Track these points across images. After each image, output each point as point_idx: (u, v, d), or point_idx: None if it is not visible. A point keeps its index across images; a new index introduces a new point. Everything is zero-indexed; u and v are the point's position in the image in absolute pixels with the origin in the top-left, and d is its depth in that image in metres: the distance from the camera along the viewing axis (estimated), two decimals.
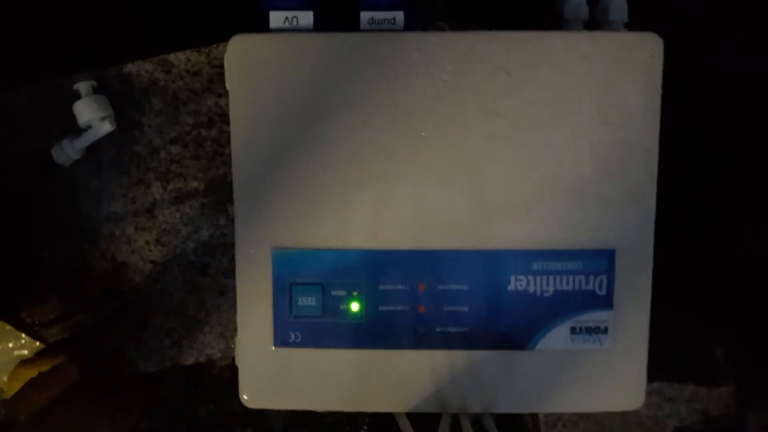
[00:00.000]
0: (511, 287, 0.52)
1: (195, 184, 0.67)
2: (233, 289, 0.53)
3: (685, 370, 0.68)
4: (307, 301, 0.52)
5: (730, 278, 0.66)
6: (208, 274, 0.68)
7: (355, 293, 0.52)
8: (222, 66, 0.52)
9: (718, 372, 0.68)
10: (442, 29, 0.55)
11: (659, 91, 0.50)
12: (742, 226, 0.65)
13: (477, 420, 0.54)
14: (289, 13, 0.51)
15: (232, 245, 0.53)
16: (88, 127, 0.62)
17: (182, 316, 0.69)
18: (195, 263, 0.68)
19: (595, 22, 0.54)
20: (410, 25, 0.52)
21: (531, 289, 0.52)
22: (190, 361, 0.70)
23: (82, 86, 0.61)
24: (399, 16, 0.51)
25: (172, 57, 0.65)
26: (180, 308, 0.69)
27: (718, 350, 0.67)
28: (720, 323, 0.67)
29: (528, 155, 0.51)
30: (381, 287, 0.52)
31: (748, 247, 0.66)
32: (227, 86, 0.51)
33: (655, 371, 0.54)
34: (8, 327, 0.67)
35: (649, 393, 0.53)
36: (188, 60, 0.65)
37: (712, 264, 0.66)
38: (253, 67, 0.51)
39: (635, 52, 0.50)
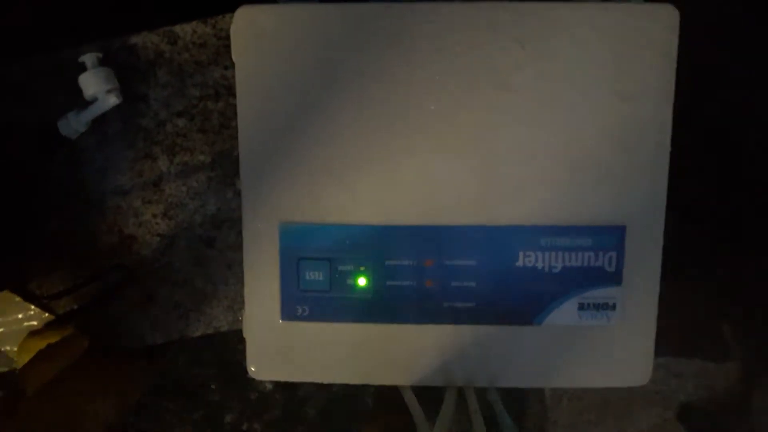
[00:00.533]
0: (519, 263, 0.51)
1: (202, 157, 0.66)
2: (240, 262, 0.53)
3: (692, 346, 0.68)
4: (315, 276, 0.52)
5: (739, 254, 0.65)
6: (215, 247, 0.68)
7: (362, 268, 0.52)
8: (228, 37, 0.51)
9: (725, 348, 0.68)
10: None
11: (674, 64, 0.49)
12: (751, 202, 0.65)
13: (482, 394, 0.55)
14: None
15: (240, 219, 0.53)
16: (94, 100, 0.61)
17: (189, 289, 0.69)
18: (202, 237, 0.68)
19: None
20: None
21: (539, 265, 0.51)
22: (198, 333, 0.71)
23: (88, 58, 0.61)
24: None
25: (177, 29, 0.64)
26: (187, 281, 0.69)
27: (725, 326, 0.67)
28: (728, 300, 0.67)
29: (539, 129, 0.50)
30: (388, 262, 0.52)
31: (757, 224, 0.66)
32: (233, 58, 0.51)
33: (663, 346, 0.53)
34: (17, 299, 0.67)
35: (655, 368, 0.53)
36: (194, 31, 0.65)
37: (720, 240, 0.65)
38: (260, 39, 0.50)
39: (650, 24, 0.49)
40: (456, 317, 0.52)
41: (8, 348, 0.70)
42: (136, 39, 0.64)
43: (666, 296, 0.53)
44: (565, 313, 0.52)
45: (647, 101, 0.50)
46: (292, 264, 0.52)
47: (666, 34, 0.49)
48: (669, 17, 0.49)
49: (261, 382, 0.77)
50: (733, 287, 0.67)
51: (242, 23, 0.50)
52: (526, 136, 0.50)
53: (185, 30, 0.65)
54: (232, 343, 0.76)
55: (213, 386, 0.79)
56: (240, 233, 0.53)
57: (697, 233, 0.66)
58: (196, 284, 0.69)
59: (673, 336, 0.61)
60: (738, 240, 0.67)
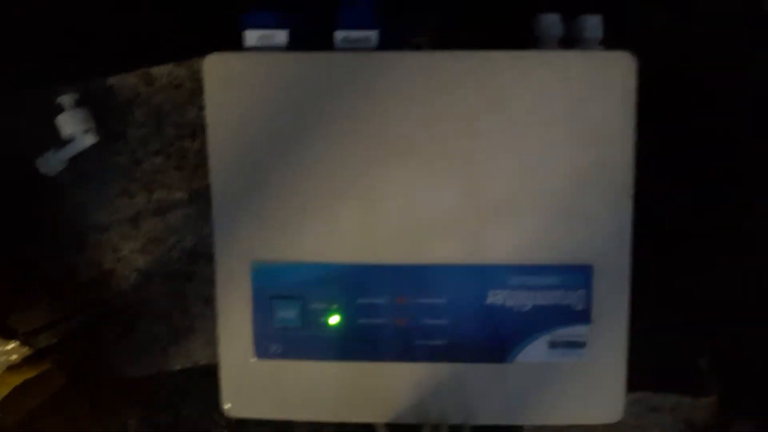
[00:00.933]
0: (488, 301, 0.52)
1: (179, 194, 0.67)
2: None
3: (668, 380, 0.68)
4: (287, 314, 0.53)
5: (713, 288, 0.66)
6: (192, 282, 0.68)
7: (334, 306, 0.53)
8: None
9: (701, 382, 0.68)
10: (418, 48, 0.55)
11: (634, 108, 0.50)
12: (722, 236, 0.65)
13: (457, 430, 0.55)
14: (264, 32, 0.51)
15: None
16: (71, 139, 0.62)
17: (168, 324, 0.69)
18: (180, 272, 0.68)
19: (571, 39, 0.53)
20: (385, 44, 0.52)
21: (508, 303, 0.52)
22: (177, 366, 0.71)
23: (65, 99, 0.62)
24: (373, 35, 0.51)
25: (154, 70, 0.65)
26: (166, 315, 0.69)
27: (701, 360, 0.68)
28: (703, 333, 0.67)
29: (504, 172, 0.51)
30: (360, 300, 0.52)
31: (729, 256, 0.66)
32: (205, 102, 0.52)
33: (639, 381, 0.54)
34: None
35: (632, 403, 0.53)
36: (170, 73, 0.66)
37: (694, 274, 0.66)
38: (230, 85, 0.51)
39: (609, 71, 0.50)
40: (428, 355, 0.53)
41: None
42: (113, 80, 0.65)
43: (639, 331, 0.53)
44: (535, 351, 0.52)
45: (610, 144, 0.50)
46: (264, 302, 0.53)
47: (625, 80, 0.50)
48: (627, 64, 0.50)
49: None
50: (708, 321, 0.67)
51: (212, 69, 0.51)
52: (492, 178, 0.51)
53: (161, 72, 0.66)
54: (211, 377, 0.76)
55: (192, 419, 0.79)
56: None
57: (671, 266, 0.66)
58: (175, 318, 0.69)
59: (648, 371, 0.61)
60: (712, 273, 0.67)
